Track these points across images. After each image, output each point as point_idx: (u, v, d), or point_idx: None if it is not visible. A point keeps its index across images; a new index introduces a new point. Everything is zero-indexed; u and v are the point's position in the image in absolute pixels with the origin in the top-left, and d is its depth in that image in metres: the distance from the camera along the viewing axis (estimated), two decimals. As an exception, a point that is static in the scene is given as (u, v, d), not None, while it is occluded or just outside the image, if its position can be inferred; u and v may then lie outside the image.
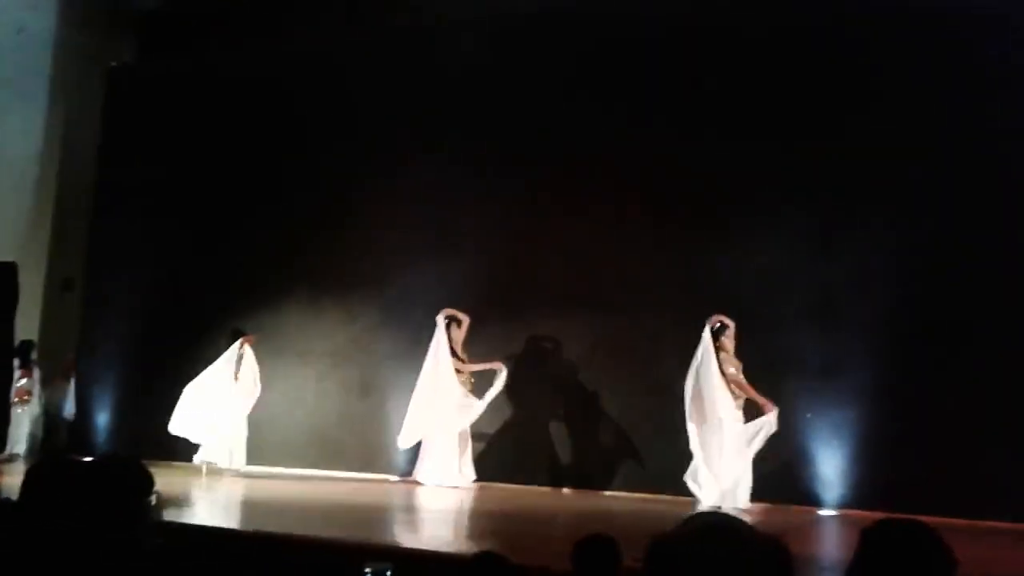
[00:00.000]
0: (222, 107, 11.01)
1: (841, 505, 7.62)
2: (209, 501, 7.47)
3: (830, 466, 7.75)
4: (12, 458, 9.36)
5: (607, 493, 8.49)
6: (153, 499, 2.54)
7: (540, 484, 8.82)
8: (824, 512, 7.59)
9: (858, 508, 7.37)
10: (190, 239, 10.93)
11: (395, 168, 9.95)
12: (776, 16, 8.46)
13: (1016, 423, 7.12)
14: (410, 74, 10.03)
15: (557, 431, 8.99)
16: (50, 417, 10.87)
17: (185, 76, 11.34)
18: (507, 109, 9.44)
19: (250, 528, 5.69)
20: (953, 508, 6.89)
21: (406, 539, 5.98)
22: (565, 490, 8.71)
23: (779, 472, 7.90)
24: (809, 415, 7.94)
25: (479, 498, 8.09)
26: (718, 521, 1.57)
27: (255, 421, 9.91)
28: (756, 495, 7.68)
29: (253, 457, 9.73)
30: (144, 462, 2.60)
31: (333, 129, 10.36)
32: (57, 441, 10.52)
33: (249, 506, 7.36)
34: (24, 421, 10.17)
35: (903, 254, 7.76)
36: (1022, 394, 7.15)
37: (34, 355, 10.48)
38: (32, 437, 10.43)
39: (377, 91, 10.19)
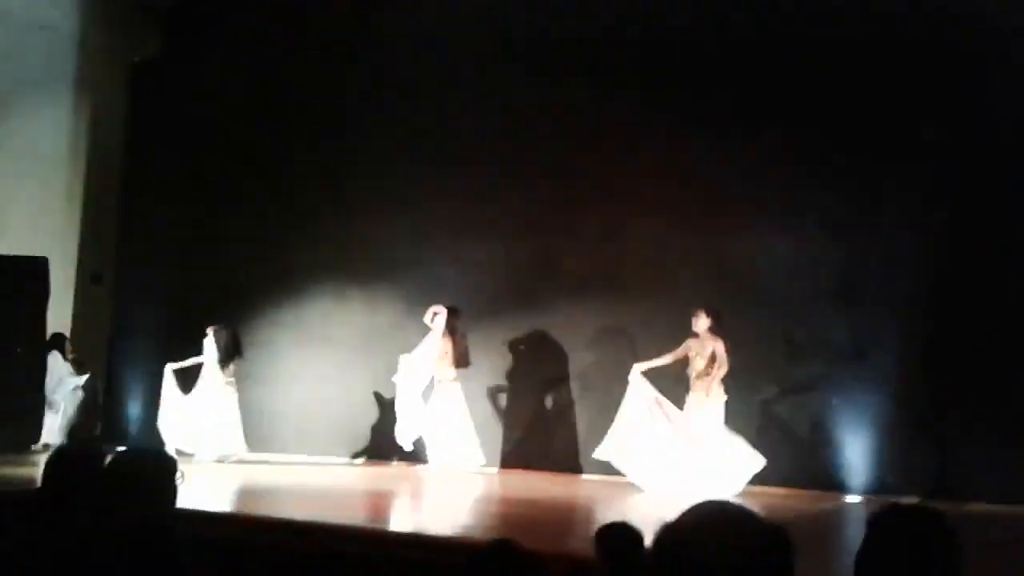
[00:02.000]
0: (245, 101, 11.09)
1: (867, 491, 7.59)
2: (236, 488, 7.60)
3: (856, 452, 7.72)
4: (47, 448, 9.55)
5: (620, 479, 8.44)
6: (180, 477, 2.59)
7: (562, 470, 8.87)
8: (850, 498, 7.57)
9: (885, 494, 7.32)
10: (217, 231, 11.05)
11: (416, 160, 9.99)
12: (783, 6, 8.36)
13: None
14: (421, 69, 10.01)
15: (575, 416, 9.01)
16: (83, 407, 11.03)
17: (208, 70, 11.43)
18: (519, 98, 9.40)
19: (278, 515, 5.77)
20: (980, 493, 6.87)
21: (424, 525, 6.04)
22: (584, 476, 8.73)
23: (805, 458, 7.89)
24: (835, 400, 7.91)
25: (498, 484, 8.16)
26: (722, 509, 1.58)
27: (277, 411, 10.09)
28: (785, 481, 7.71)
29: (272, 445, 9.89)
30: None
31: (356, 122, 10.40)
32: (88, 430, 10.67)
33: (273, 493, 7.46)
34: (61, 412, 10.35)
35: (926, 237, 7.69)
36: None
37: (68, 347, 10.65)
38: (69, 427, 10.61)
39: (393, 85, 10.18)
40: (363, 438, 9.83)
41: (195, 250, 11.16)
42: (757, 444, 7.89)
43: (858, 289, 7.93)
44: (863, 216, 7.99)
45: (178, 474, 2.56)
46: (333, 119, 10.55)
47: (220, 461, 9.28)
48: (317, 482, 8.21)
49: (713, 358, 7.51)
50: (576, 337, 9.05)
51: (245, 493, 7.45)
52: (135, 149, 11.72)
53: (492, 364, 9.49)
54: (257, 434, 10.28)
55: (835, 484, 7.72)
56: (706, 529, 1.51)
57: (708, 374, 7.52)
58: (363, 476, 8.83)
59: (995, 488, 6.97)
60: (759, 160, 8.34)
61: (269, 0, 11.13)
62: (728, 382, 7.63)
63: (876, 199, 7.95)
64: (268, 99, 10.96)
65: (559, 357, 9.17)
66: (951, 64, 7.68)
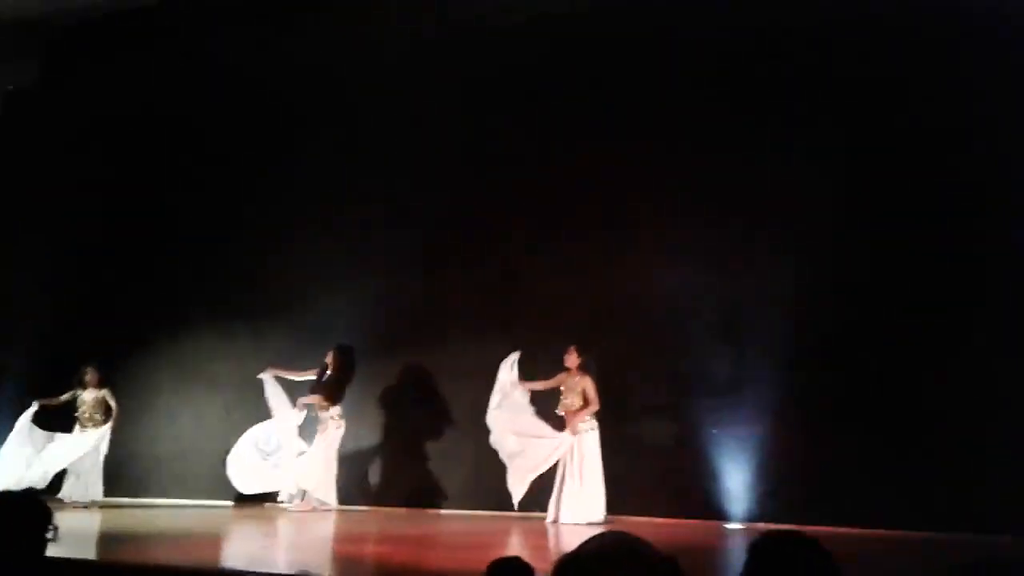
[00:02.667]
0: (124, 131, 10.74)
1: (748, 519, 7.86)
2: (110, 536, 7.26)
3: (736, 480, 8.00)
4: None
5: (504, 513, 8.46)
6: (51, 534, 2.51)
7: (451, 507, 8.85)
8: (731, 526, 7.82)
9: (764, 521, 7.61)
10: (87, 265, 10.59)
11: (305, 191, 9.89)
12: (674, 43, 8.74)
13: (913, 434, 7.48)
14: (315, 98, 9.97)
15: (464, 454, 9.01)
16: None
17: (87, 100, 11.03)
18: (414, 133, 9.49)
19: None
20: (857, 518, 7.23)
21: (308, 567, 5.92)
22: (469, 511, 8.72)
23: (687, 487, 8.12)
24: (715, 431, 8.20)
25: (393, 522, 8.07)
26: (618, 540, 1.64)
27: (160, 454, 9.73)
28: (666, 511, 7.94)
29: (154, 490, 9.52)
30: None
31: (239, 153, 10.22)
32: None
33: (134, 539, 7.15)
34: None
35: (803, 274, 8.08)
36: (918, 406, 7.51)
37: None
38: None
39: (283, 115, 10.10)
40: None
41: (66, 284, 10.67)
42: (640, 474, 8.09)
43: (737, 325, 8.28)
44: (742, 255, 8.36)
45: (51, 528, 2.46)
46: (217, 152, 10.34)
47: (85, 507, 8.93)
48: (191, 526, 7.92)
49: (583, 394, 7.96)
50: (467, 375, 9.07)
51: (117, 539, 7.12)
52: (1, 180, 11.17)
53: (383, 401, 9.41)
54: (131, 476, 9.87)
55: (717, 513, 7.97)
56: (603, 559, 1.58)
57: (580, 409, 7.96)
58: (243, 519, 8.56)
59: (867, 513, 7.35)
60: (646, 202, 8.63)
61: (151, 34, 10.81)
62: (603, 414, 8.03)
63: (752, 238, 8.34)
64: (147, 130, 10.64)
65: (450, 395, 9.17)
66: (825, 109, 8.16)
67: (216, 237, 10.11)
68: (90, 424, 9.26)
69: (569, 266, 8.85)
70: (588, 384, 8.02)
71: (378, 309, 9.42)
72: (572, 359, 8.11)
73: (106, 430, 9.23)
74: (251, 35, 10.31)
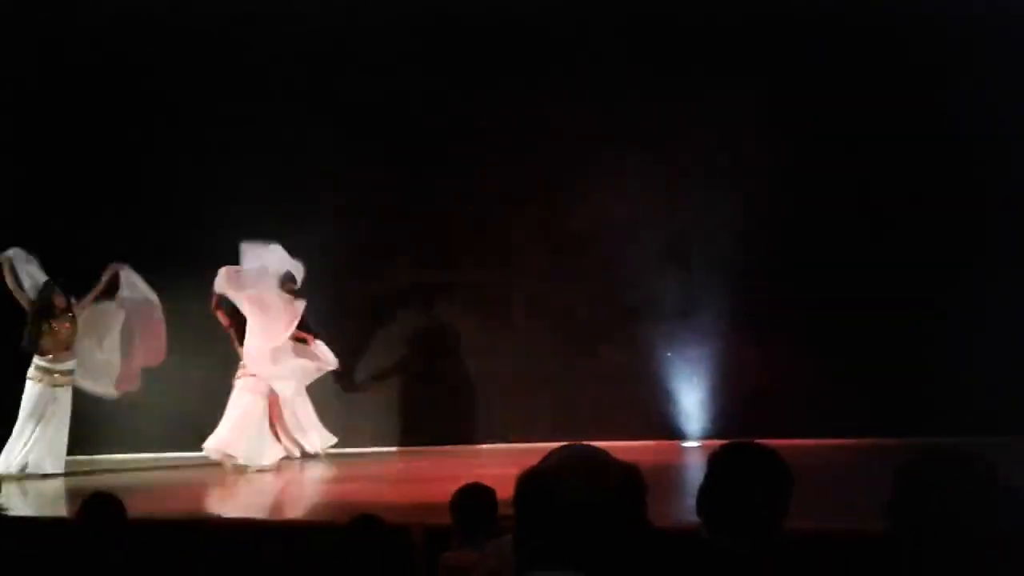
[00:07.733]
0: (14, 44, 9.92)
1: (703, 436, 8.09)
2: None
3: (691, 401, 8.20)
4: None
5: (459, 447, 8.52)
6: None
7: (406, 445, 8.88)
8: (688, 444, 8.04)
9: (720, 438, 7.81)
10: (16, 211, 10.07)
11: (249, 143, 9.48)
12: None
13: (858, 347, 7.75)
14: (245, 33, 9.46)
15: (415, 390, 8.96)
16: None
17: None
18: (350, 78, 9.15)
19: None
20: (808, 430, 7.50)
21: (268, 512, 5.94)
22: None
23: (644, 410, 8.31)
24: (669, 354, 8.37)
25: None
26: (579, 452, 1.67)
27: (109, 409, 9.46)
28: (624, 433, 8.09)
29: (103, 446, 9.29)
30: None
31: (167, 78, 9.54)
32: None
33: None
34: None
35: (745, 199, 8.21)
36: (863, 320, 7.77)
37: None
38: None
39: (213, 45, 9.48)
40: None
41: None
42: (597, 400, 8.22)
43: (684, 251, 8.42)
44: (686, 182, 8.45)
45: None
46: (137, 93, 9.66)
47: None
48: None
49: None
50: (417, 310, 9.03)
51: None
52: None
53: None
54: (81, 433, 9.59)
55: (673, 432, 8.18)
56: (565, 471, 1.59)
57: None
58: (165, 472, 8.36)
59: (818, 424, 7.64)
60: (590, 132, 8.58)
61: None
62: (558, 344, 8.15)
63: (695, 167, 8.42)
64: (44, 43, 9.80)
65: (400, 329, 9.09)
66: (752, 39, 8.18)
67: (165, 185, 9.65)
68: None
69: (517, 198, 8.80)
70: None
71: (324, 252, 9.20)
72: None
73: None
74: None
